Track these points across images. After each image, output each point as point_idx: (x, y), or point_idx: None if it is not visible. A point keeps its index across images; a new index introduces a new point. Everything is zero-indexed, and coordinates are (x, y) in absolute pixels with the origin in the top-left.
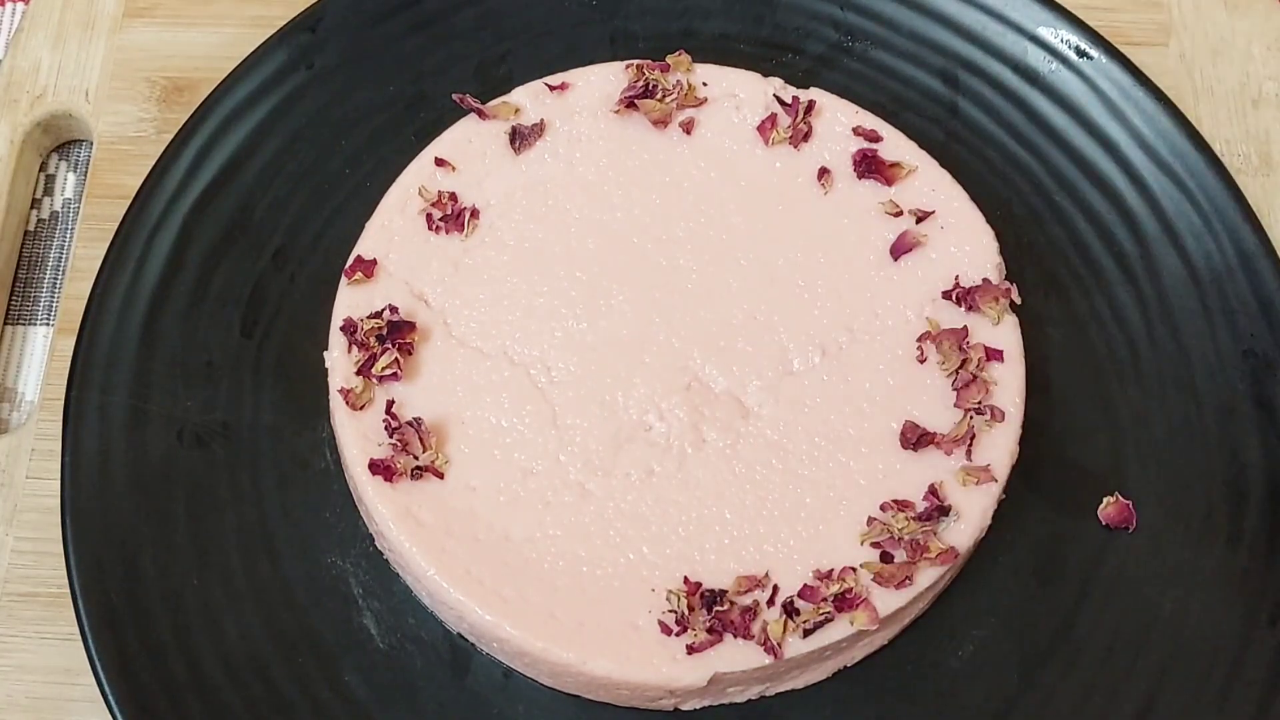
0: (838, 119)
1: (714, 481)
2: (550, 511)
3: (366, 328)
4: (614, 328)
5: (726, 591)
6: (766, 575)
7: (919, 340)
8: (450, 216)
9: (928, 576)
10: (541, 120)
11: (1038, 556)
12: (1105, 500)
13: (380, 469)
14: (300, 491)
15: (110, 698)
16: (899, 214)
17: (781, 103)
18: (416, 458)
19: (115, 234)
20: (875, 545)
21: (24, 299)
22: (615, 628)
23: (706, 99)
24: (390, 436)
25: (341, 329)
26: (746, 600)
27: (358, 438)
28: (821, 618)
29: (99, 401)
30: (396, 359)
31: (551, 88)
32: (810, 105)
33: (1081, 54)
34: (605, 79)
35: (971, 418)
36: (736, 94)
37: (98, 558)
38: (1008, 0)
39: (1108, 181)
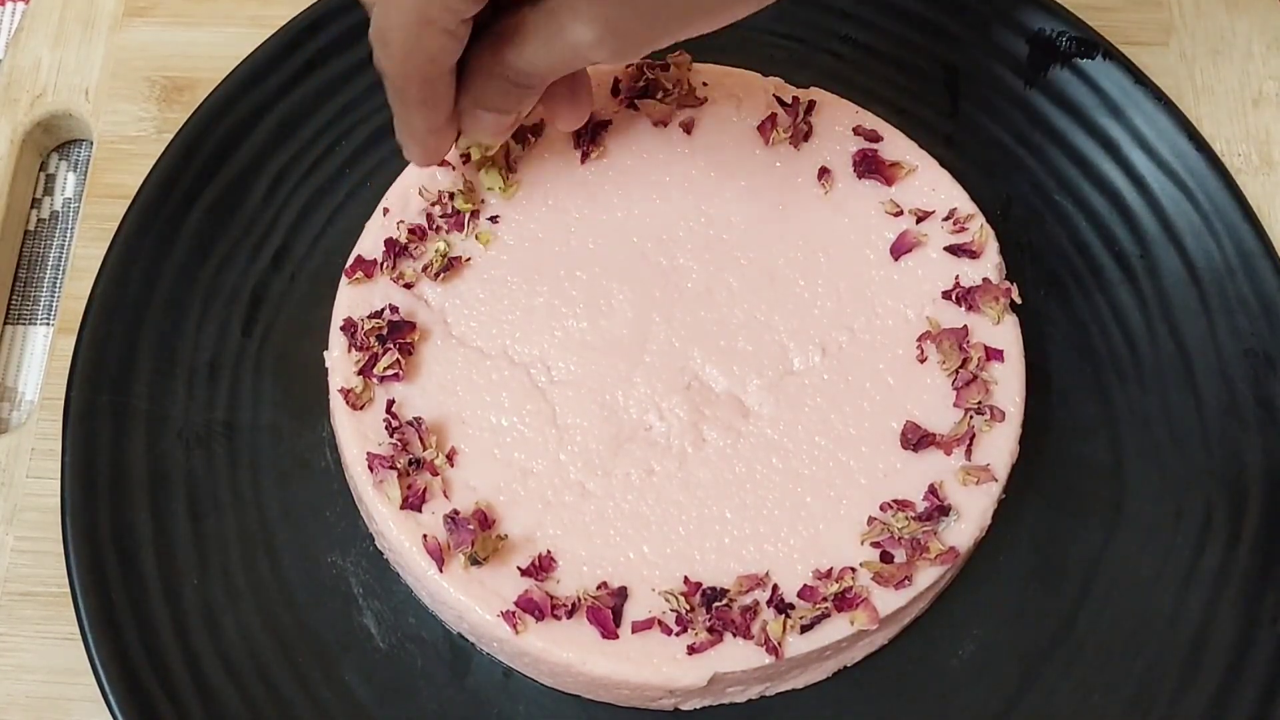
0: (838, 119)
1: (714, 481)
2: (550, 511)
3: (367, 328)
4: (614, 327)
5: (727, 590)
6: (767, 575)
7: (919, 340)
8: (450, 216)
9: (928, 576)
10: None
11: (1038, 556)
12: None
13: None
14: (300, 491)
15: (110, 698)
16: (899, 214)
17: (781, 103)
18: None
19: (115, 234)
20: (875, 545)
21: (24, 299)
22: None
23: (706, 99)
24: (390, 436)
25: (341, 329)
26: (747, 600)
27: (358, 437)
28: (819, 613)
29: (99, 401)
30: (398, 359)
31: None
32: (810, 105)
33: (1081, 54)
34: (605, 79)
35: (971, 417)
36: (736, 94)
37: (98, 558)
38: (1008, 0)
39: (1108, 181)
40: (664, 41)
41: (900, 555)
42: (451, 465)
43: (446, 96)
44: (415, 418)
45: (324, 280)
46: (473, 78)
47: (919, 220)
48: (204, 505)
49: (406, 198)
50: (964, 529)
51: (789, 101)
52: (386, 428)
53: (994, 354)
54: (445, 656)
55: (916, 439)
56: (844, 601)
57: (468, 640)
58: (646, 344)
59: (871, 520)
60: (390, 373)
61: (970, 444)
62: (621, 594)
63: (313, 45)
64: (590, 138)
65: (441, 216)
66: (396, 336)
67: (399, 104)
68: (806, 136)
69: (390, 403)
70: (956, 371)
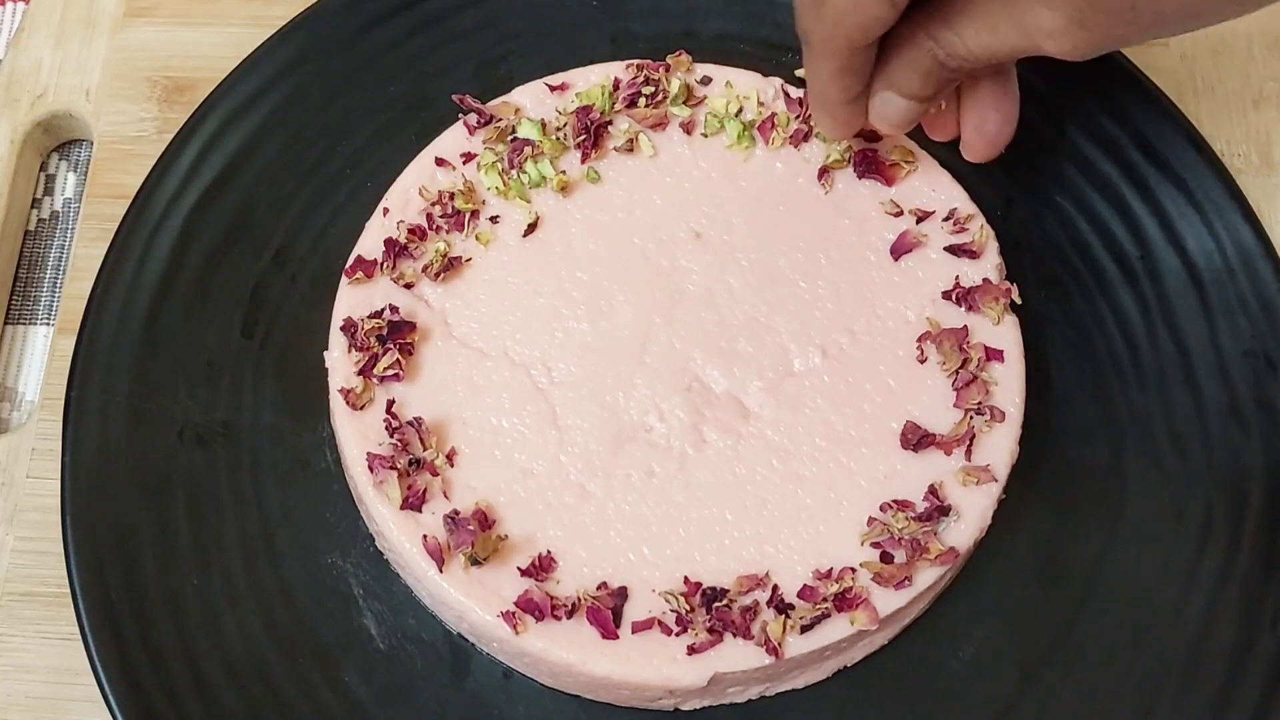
0: None
1: (714, 482)
2: (550, 512)
3: (367, 328)
4: (614, 328)
5: (727, 591)
6: (767, 575)
7: (919, 340)
8: (450, 216)
9: (928, 577)
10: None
11: (1038, 556)
12: None
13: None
14: (300, 491)
15: (110, 698)
16: (899, 214)
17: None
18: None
19: (115, 234)
20: (875, 545)
21: (24, 299)
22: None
23: (706, 99)
24: (390, 436)
25: (342, 329)
26: (747, 600)
27: (358, 437)
28: (819, 614)
29: (99, 401)
30: (398, 359)
31: (552, 88)
32: None
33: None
34: (605, 79)
35: (971, 418)
36: (736, 94)
37: (98, 558)
38: None
39: (1108, 181)
40: (1134, 40)
41: (900, 556)
42: (451, 465)
43: (866, 68)
44: (415, 418)
45: (324, 280)
46: (894, 55)
47: (919, 220)
48: (204, 505)
49: (407, 198)
50: (964, 529)
51: (789, 101)
52: (386, 428)
53: (994, 354)
54: (445, 657)
55: (916, 439)
56: (844, 602)
57: (468, 640)
58: (647, 345)
59: (871, 521)
60: (390, 373)
61: (970, 444)
62: (621, 594)
63: (314, 45)
64: (591, 138)
65: (441, 216)
66: (397, 337)
67: (816, 72)
68: (806, 137)
69: (390, 403)
70: (956, 372)
